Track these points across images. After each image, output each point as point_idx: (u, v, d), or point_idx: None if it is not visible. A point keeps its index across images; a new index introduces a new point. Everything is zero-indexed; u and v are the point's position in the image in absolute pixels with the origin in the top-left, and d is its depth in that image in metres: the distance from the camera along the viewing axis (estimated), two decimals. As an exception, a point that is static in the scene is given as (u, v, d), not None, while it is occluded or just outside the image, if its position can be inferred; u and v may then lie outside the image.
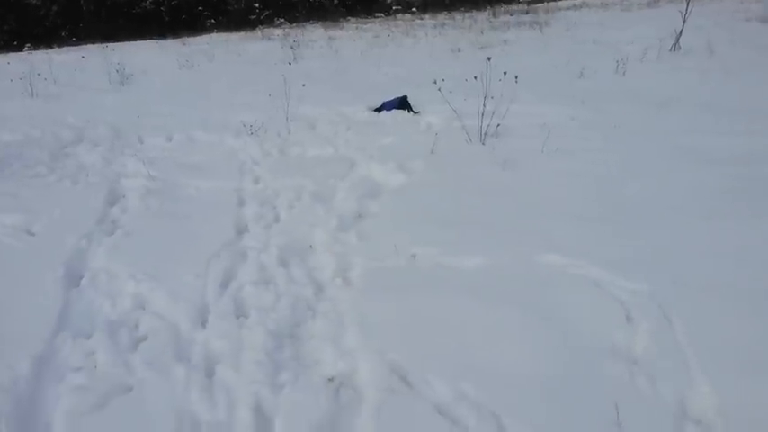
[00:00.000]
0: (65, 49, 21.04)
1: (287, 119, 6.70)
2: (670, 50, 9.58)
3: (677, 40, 9.66)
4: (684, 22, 9.61)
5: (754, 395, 2.24)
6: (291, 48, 12.67)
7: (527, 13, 18.88)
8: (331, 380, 2.51)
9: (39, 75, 10.29)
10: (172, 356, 2.71)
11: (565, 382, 2.36)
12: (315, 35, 17.27)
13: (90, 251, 3.86)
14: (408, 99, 7.26)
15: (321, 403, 2.38)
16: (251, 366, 2.59)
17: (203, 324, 3.00)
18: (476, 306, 2.92)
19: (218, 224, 4.12)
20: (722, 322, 2.67)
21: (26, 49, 22.82)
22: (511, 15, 18.82)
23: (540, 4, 21.62)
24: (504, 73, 5.47)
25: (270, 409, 2.38)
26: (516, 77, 5.64)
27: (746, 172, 4.24)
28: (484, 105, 5.44)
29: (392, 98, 7.37)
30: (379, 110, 7.26)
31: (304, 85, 7.78)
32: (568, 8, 19.34)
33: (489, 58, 5.68)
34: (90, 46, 20.56)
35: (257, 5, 27.54)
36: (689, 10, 9.76)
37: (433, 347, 2.64)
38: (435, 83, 5.72)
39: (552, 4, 22.05)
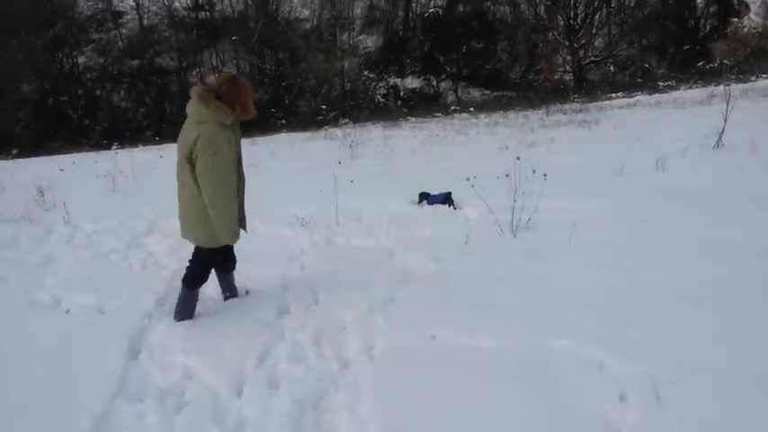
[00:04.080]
0: (147, 147, 22.87)
1: (336, 212, 7.24)
2: (713, 147, 9.76)
3: (720, 137, 9.86)
4: (726, 120, 9.83)
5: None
6: (350, 146, 13.53)
7: (580, 111, 19.38)
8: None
9: (121, 172, 11.38)
10: (210, 420, 3.10)
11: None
12: (373, 134, 18.27)
13: (150, 328, 4.35)
14: (452, 195, 7.71)
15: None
16: (276, 430, 2.93)
17: (239, 393, 3.38)
18: (483, 383, 3.20)
19: (263, 305, 4.57)
20: (713, 405, 2.86)
21: (114, 148, 24.78)
22: (564, 114, 19.34)
23: (594, 103, 22.14)
24: (534, 171, 5.86)
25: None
26: (545, 175, 6.02)
27: (758, 266, 4.41)
28: (514, 200, 5.82)
29: (437, 193, 7.84)
30: (422, 201, 7.73)
31: (352, 182, 8.38)
32: (621, 107, 19.75)
33: (519, 158, 6.10)
34: (171, 145, 22.31)
35: (325, 107, 29.35)
36: (731, 108, 10.01)
37: (438, 419, 2.93)
38: (468, 180, 6.17)
39: (606, 102, 22.56)
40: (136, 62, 36.92)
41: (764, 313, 3.71)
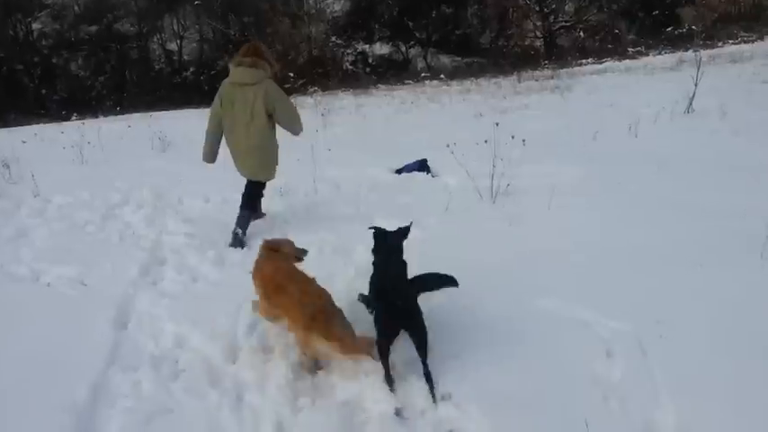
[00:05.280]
0: (110, 118, 22.33)
1: (314, 180, 7.23)
2: (684, 113, 9.97)
3: (690, 102, 10.06)
4: (696, 86, 10.03)
5: (711, 416, 2.55)
6: (322, 115, 13.43)
7: (551, 78, 19.48)
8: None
9: (89, 143, 11.13)
10: (207, 385, 3.14)
11: (544, 402, 2.71)
12: (344, 102, 18.14)
13: (136, 298, 4.34)
14: (428, 162, 7.75)
15: (334, 423, 2.76)
16: (275, 391, 2.99)
17: (234, 360, 3.42)
18: (473, 341, 3.28)
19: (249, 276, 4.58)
20: (696, 358, 3.00)
21: (74, 118, 24.07)
22: (536, 81, 19.41)
23: (565, 69, 22.25)
24: (512, 137, 5.93)
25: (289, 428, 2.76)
26: (524, 141, 6.10)
27: (737, 226, 4.56)
28: (494, 167, 5.89)
29: (413, 161, 7.87)
30: (399, 171, 7.76)
31: (329, 150, 8.36)
32: (592, 73, 19.92)
33: (497, 124, 6.16)
34: (135, 115, 21.82)
35: (292, 75, 28.93)
36: (701, 73, 10.20)
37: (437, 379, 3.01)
38: (448, 146, 6.21)
39: (577, 68, 22.69)
40: (93, 28, 35.59)
41: (738, 271, 3.88)
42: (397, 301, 3.08)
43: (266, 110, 5.26)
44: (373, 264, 3.65)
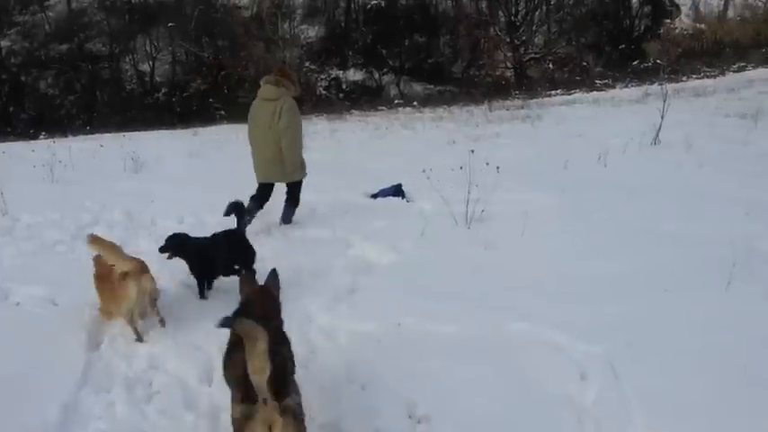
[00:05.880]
0: (80, 137, 22.00)
1: (290, 204, 7.24)
2: (651, 144, 10.27)
3: (657, 134, 10.37)
4: (662, 118, 10.35)
5: (683, 437, 2.62)
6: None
7: (521, 107, 19.88)
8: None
9: (60, 162, 10.96)
10: (182, 407, 3.10)
11: (520, 423, 2.75)
12: (319, 127, 18.22)
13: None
14: (403, 187, 7.83)
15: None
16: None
17: (209, 381, 3.38)
18: (450, 366, 3.32)
19: (223, 295, 4.55)
20: (667, 380, 3.08)
21: (42, 136, 23.64)
22: (507, 110, 19.78)
23: (535, 99, 22.75)
24: (487, 163, 6.05)
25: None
26: (498, 168, 6.22)
27: (704, 253, 4.71)
28: (469, 193, 5.98)
29: (388, 186, 7.94)
30: (375, 196, 7.81)
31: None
32: (561, 104, 20.39)
33: (473, 151, 6.28)
34: (106, 135, 21.55)
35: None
36: (667, 106, 10.55)
37: (410, 401, 3.03)
38: (424, 172, 6.30)
39: (547, 99, 23.23)
40: (64, 47, 35.13)
41: (706, 296, 4.00)
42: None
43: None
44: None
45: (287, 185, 6.50)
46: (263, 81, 6.19)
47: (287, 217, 6.54)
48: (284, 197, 6.56)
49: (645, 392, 2.95)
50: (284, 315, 3.23)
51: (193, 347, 3.73)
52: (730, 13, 32.54)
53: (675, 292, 4.07)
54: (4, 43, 35.18)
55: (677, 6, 33.39)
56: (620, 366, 3.19)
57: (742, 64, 25.46)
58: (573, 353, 3.37)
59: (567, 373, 3.16)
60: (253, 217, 6.20)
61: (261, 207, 6.42)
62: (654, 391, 2.97)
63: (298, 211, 6.73)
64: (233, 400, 2.51)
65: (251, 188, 6.76)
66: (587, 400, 2.94)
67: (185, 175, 10.66)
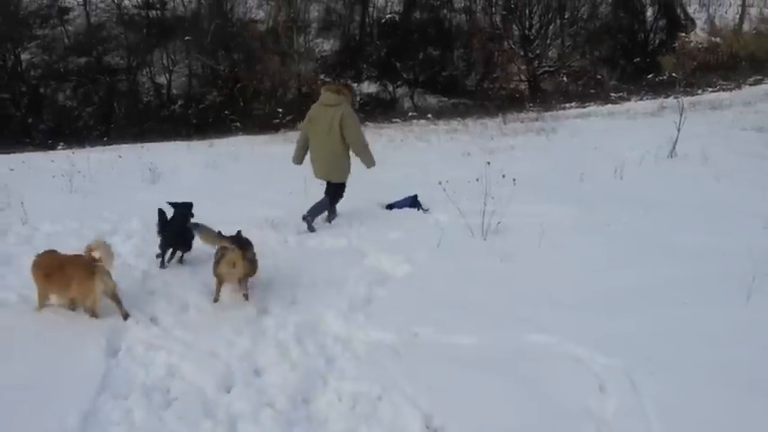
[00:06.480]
0: (98, 148, 22.21)
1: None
2: (667, 157, 10.20)
3: (674, 147, 10.31)
4: (679, 131, 10.29)
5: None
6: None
7: (536, 120, 19.80)
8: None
9: (79, 172, 11.09)
10: (201, 414, 3.11)
11: (539, 436, 2.73)
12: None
13: (126, 327, 4.30)
14: (419, 198, 7.84)
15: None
16: (269, 422, 2.97)
17: (227, 389, 3.40)
18: (469, 377, 3.31)
19: (241, 304, 4.58)
20: (686, 394, 3.05)
21: (60, 147, 23.84)
22: (521, 123, 19.71)
23: (549, 112, 22.65)
24: (503, 176, 6.04)
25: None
26: (514, 180, 6.21)
27: (722, 266, 4.67)
28: (485, 205, 5.98)
29: (404, 197, 7.96)
30: (390, 207, 7.83)
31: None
32: (576, 116, 20.27)
33: (489, 163, 6.28)
34: (124, 146, 21.73)
35: (280, 110, 29.14)
36: (683, 119, 10.49)
37: (427, 412, 3.02)
38: (440, 183, 6.31)
39: (561, 112, 23.11)
40: (83, 60, 35.58)
41: (725, 309, 3.97)
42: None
43: (340, 126, 6.62)
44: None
45: (332, 185, 7.07)
46: (324, 89, 6.97)
47: (331, 217, 7.13)
48: (322, 197, 7.10)
49: (664, 405, 2.93)
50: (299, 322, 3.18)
51: (211, 355, 3.75)
52: (746, 27, 32.27)
53: (694, 305, 4.04)
54: (25, 56, 35.70)
55: (692, 20, 33.22)
56: (638, 379, 3.17)
57: (758, 77, 25.21)
58: (591, 365, 3.35)
59: (586, 386, 3.14)
60: (335, 212, 7.17)
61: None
62: (673, 404, 2.94)
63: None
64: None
65: (263, 197, 6.81)
66: (607, 413, 2.92)
67: (202, 186, 10.74)
